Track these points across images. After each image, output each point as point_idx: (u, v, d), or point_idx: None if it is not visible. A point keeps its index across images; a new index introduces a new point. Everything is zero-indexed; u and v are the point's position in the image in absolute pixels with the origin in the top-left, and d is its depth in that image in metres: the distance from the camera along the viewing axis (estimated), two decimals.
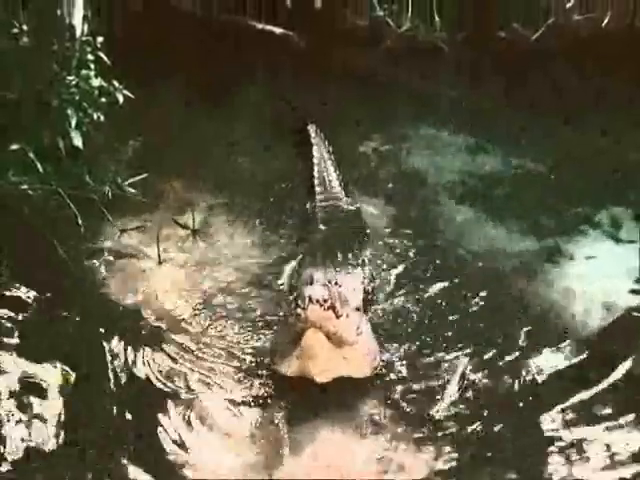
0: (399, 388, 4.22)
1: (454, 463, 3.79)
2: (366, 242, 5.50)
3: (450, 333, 4.65)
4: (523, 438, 3.91)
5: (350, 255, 5.10)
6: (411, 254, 5.46)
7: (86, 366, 4.17)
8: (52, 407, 3.85)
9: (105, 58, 5.58)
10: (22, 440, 3.65)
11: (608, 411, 4.04)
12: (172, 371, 4.33)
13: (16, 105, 5.30)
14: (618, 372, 4.25)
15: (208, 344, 4.55)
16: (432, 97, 7.75)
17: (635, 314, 4.81)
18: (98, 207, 5.43)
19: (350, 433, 3.96)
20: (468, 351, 4.47)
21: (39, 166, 5.20)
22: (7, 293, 4.51)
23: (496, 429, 3.96)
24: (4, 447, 3.60)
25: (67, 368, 4.07)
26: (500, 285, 5.10)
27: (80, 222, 5.30)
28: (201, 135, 6.85)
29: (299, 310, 3.88)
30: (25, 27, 5.44)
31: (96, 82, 5.48)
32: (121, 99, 5.59)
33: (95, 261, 5.22)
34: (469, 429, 3.96)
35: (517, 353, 4.48)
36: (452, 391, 4.20)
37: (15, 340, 4.18)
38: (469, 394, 4.18)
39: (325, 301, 3.86)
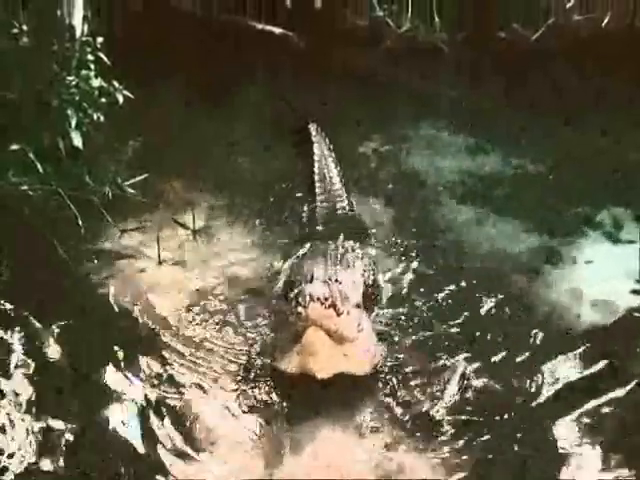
0: (399, 388, 4.22)
1: (454, 463, 3.79)
2: (367, 241, 5.50)
3: (450, 333, 4.65)
4: (526, 440, 3.90)
5: (350, 253, 5.09)
6: (411, 254, 5.46)
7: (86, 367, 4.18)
8: None
9: (105, 58, 5.57)
10: None
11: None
12: (167, 374, 4.32)
13: (16, 105, 5.29)
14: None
15: (208, 345, 4.55)
16: (432, 97, 7.75)
17: (636, 315, 4.81)
18: (98, 207, 5.43)
19: (350, 432, 3.96)
20: (468, 352, 4.46)
21: (39, 166, 5.20)
22: None
23: (498, 431, 3.96)
24: None
25: None
26: (500, 285, 5.10)
27: (80, 222, 5.29)
28: (201, 135, 6.85)
29: (300, 308, 3.89)
30: (25, 27, 5.43)
31: (96, 82, 5.47)
32: (121, 99, 5.58)
33: (95, 261, 5.22)
34: (470, 431, 3.96)
35: (517, 353, 4.47)
36: (452, 391, 4.20)
37: None
38: (469, 394, 4.19)
39: (326, 299, 3.86)
